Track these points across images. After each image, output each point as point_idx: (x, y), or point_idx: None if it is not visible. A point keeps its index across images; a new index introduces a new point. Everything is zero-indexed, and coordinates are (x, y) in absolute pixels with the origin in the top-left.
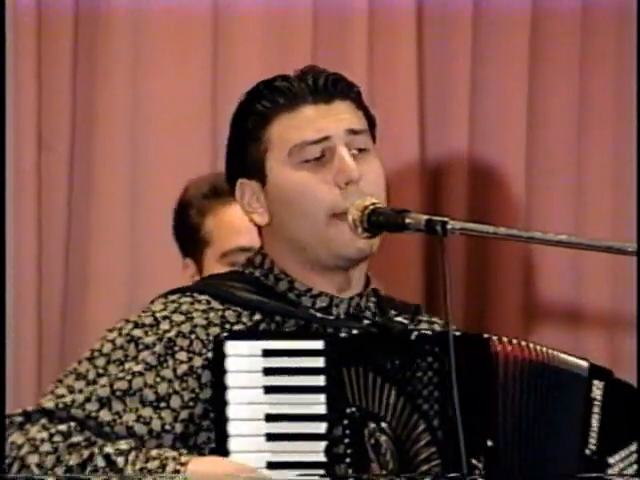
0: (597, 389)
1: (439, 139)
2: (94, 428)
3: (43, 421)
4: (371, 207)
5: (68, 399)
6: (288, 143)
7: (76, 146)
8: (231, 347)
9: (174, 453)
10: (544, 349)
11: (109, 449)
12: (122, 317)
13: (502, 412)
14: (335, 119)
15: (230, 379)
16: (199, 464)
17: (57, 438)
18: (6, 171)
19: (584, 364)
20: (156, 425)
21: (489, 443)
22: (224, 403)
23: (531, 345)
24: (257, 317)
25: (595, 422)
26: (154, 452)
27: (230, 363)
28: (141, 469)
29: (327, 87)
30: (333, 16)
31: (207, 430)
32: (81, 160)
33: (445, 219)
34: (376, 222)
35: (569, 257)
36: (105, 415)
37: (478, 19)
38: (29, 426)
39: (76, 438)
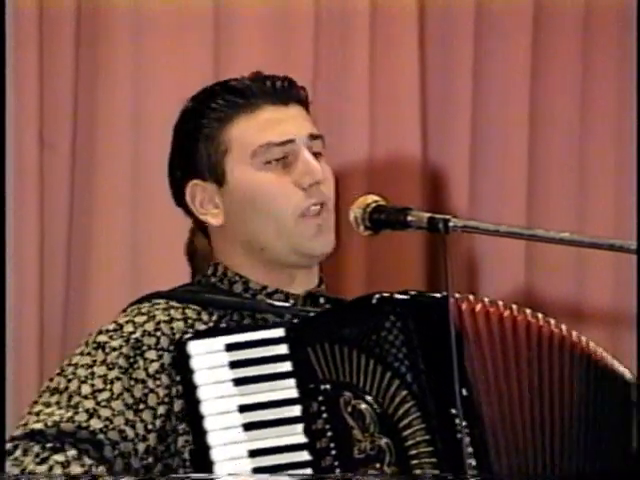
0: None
1: (441, 137)
2: (87, 439)
3: (36, 450)
4: (373, 205)
5: (55, 417)
6: (251, 145)
7: (77, 144)
8: (193, 347)
9: None
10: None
11: None
12: None
13: (476, 363)
14: (296, 123)
15: (198, 377)
16: None
17: (57, 471)
18: (7, 170)
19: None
20: (140, 428)
21: (464, 392)
22: (197, 401)
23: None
24: (216, 315)
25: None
26: None
27: (195, 362)
28: None
29: (284, 89)
30: (335, 15)
31: (184, 434)
32: (82, 158)
33: (447, 217)
34: (378, 220)
35: (571, 255)
36: (96, 423)
37: (480, 18)
38: (20, 455)
39: (76, 469)
